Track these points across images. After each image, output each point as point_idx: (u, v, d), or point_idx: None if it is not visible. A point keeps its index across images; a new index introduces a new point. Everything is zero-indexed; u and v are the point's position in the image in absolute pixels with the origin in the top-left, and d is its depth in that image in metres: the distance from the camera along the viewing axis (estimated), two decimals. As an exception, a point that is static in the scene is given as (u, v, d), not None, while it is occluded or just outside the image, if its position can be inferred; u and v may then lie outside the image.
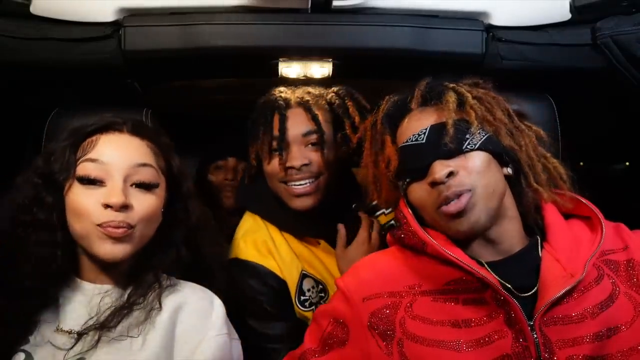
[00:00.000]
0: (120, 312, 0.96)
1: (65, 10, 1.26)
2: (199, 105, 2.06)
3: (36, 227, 0.97)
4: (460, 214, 0.93)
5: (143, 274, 1.02)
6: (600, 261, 0.96)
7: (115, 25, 1.28)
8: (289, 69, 1.44)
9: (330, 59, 1.40)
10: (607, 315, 0.88)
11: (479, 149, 0.96)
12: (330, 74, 1.47)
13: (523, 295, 0.92)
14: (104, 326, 0.94)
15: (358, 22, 1.29)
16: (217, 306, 1.03)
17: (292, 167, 1.32)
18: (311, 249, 1.41)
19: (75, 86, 1.53)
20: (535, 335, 0.87)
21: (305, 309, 1.36)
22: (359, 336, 0.97)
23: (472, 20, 1.32)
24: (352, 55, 1.37)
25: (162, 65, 1.41)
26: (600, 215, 0.99)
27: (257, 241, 1.38)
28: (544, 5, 1.30)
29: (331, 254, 1.40)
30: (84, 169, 0.97)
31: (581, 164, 2.05)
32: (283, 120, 1.33)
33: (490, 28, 1.32)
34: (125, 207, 0.95)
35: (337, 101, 1.40)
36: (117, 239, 0.95)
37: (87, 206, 0.95)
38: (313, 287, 1.37)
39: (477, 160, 0.95)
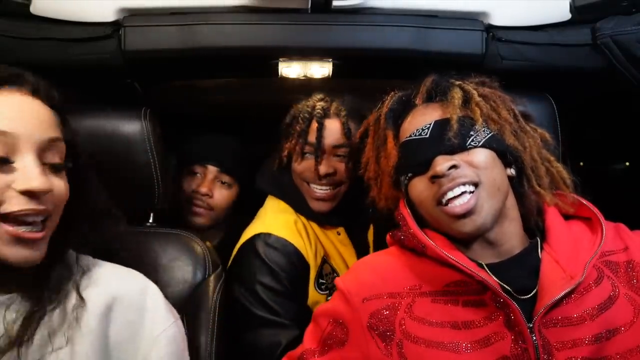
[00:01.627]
0: (32, 317, 0.78)
1: (65, 10, 1.26)
2: (199, 105, 2.06)
3: None
4: (466, 214, 0.92)
5: (52, 266, 0.84)
6: (600, 262, 0.96)
7: (115, 25, 1.28)
8: (289, 69, 1.44)
9: (330, 59, 1.40)
10: (606, 317, 0.88)
11: (482, 146, 0.95)
12: (330, 74, 1.47)
13: (523, 297, 0.92)
14: (18, 340, 0.76)
15: (358, 22, 1.29)
16: (153, 293, 0.90)
17: (316, 173, 1.41)
18: (331, 240, 1.50)
19: (75, 86, 1.53)
20: (534, 338, 0.86)
21: (321, 292, 1.43)
22: (359, 337, 0.97)
23: (472, 20, 1.32)
24: (352, 55, 1.37)
25: (162, 65, 1.41)
26: (601, 217, 0.99)
27: (289, 221, 1.44)
28: (544, 5, 1.30)
29: (347, 246, 1.52)
30: None
31: (581, 164, 2.05)
32: (320, 129, 1.41)
33: (490, 28, 1.32)
34: (45, 194, 0.78)
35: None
36: (32, 243, 0.78)
37: None
38: (330, 273, 1.45)
39: (481, 156, 0.95)
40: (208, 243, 1.29)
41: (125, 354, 0.84)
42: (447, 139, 0.95)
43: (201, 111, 2.09)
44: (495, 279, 0.93)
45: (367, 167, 1.14)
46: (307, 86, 1.57)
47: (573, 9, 1.28)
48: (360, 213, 1.47)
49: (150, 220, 1.35)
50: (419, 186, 0.98)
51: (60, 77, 1.41)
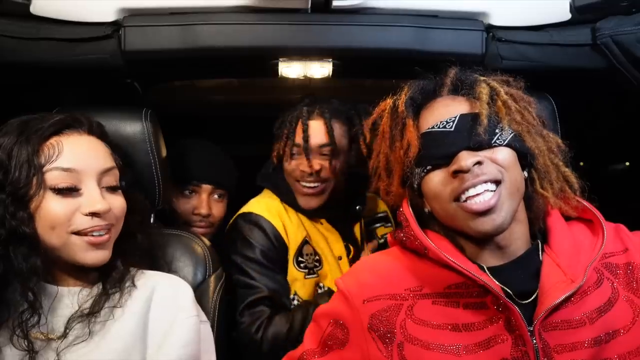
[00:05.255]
0: (100, 298, 1.00)
1: (65, 10, 1.26)
2: (199, 105, 2.06)
3: (17, 241, 0.93)
4: (486, 212, 0.90)
5: (115, 265, 1.04)
6: (600, 264, 0.95)
7: (115, 25, 1.28)
8: (289, 69, 1.44)
9: (330, 59, 1.40)
10: (606, 320, 0.88)
11: (507, 145, 0.94)
12: (330, 74, 1.47)
13: (524, 302, 0.91)
14: (90, 313, 0.97)
15: (358, 22, 1.29)
16: (185, 290, 1.07)
17: (304, 171, 1.53)
18: (317, 227, 1.64)
19: (75, 86, 1.53)
20: (534, 341, 0.86)
21: (299, 269, 1.57)
22: (359, 338, 0.97)
23: (472, 20, 1.32)
24: (352, 55, 1.37)
25: (162, 65, 1.41)
26: (602, 220, 0.98)
27: (269, 203, 1.61)
28: (544, 5, 1.30)
29: (333, 233, 1.65)
30: (56, 177, 0.95)
31: (581, 164, 2.05)
32: (305, 130, 1.52)
33: (490, 28, 1.32)
34: (106, 213, 0.98)
35: (356, 119, 1.57)
36: (101, 245, 0.98)
37: (64, 215, 0.95)
38: (310, 254, 1.59)
39: (505, 154, 0.93)
40: (208, 242, 1.30)
41: (157, 333, 1.01)
42: (475, 134, 0.93)
43: (201, 111, 2.10)
44: (497, 282, 0.93)
45: (378, 156, 1.10)
46: (307, 86, 1.57)
47: (573, 9, 1.28)
48: (343, 208, 1.64)
49: (151, 221, 1.35)
50: (437, 179, 0.96)
51: (61, 77, 1.42)
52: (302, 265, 1.56)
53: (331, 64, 1.42)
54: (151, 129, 1.23)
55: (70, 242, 0.96)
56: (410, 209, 1.02)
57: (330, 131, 1.51)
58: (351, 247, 1.66)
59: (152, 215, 1.36)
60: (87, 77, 1.43)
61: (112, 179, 1.03)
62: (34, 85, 1.51)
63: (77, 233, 0.96)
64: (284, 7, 1.26)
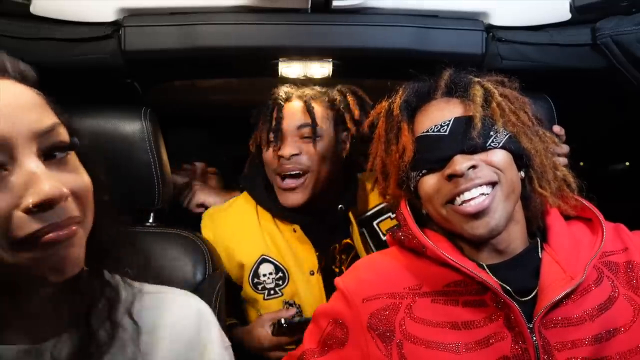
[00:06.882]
0: (81, 353, 0.65)
1: (66, 10, 1.26)
2: (199, 105, 2.06)
3: None
4: (479, 215, 0.90)
5: (92, 280, 0.69)
6: (600, 263, 0.95)
7: (115, 25, 1.28)
8: (289, 69, 1.44)
9: (330, 59, 1.40)
10: (606, 318, 0.88)
11: (502, 147, 0.94)
12: (330, 74, 1.47)
13: (523, 299, 0.91)
14: None
15: (358, 22, 1.29)
16: (207, 323, 0.78)
17: (282, 156, 1.39)
18: (286, 237, 1.47)
19: (76, 86, 1.53)
20: (534, 338, 0.86)
21: (257, 292, 1.44)
22: (358, 337, 0.97)
23: (472, 20, 1.32)
24: (352, 55, 1.37)
25: (162, 65, 1.41)
26: (602, 218, 0.99)
27: (225, 222, 1.47)
28: (544, 5, 1.30)
29: (305, 243, 1.47)
30: None
31: (581, 164, 2.05)
32: (280, 111, 1.42)
33: (490, 28, 1.32)
34: (62, 198, 0.60)
35: (338, 97, 1.47)
36: (70, 238, 0.61)
37: None
38: (271, 273, 1.44)
39: (500, 156, 0.94)
40: (208, 241, 1.29)
41: None
42: (469, 138, 0.93)
43: (201, 111, 2.10)
44: (496, 280, 0.93)
45: (375, 159, 1.11)
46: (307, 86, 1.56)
47: (573, 9, 1.28)
48: (324, 212, 1.47)
49: (150, 220, 1.36)
50: (432, 183, 0.96)
51: (60, 77, 1.42)
52: (259, 286, 1.44)
53: (331, 64, 1.42)
54: (150, 128, 1.23)
55: (16, 259, 0.58)
56: (409, 208, 1.03)
57: (309, 110, 1.39)
58: (322, 258, 1.48)
59: (152, 214, 1.36)
60: (87, 77, 1.43)
61: (59, 139, 0.63)
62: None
63: (24, 244, 0.58)
64: (284, 7, 1.26)
